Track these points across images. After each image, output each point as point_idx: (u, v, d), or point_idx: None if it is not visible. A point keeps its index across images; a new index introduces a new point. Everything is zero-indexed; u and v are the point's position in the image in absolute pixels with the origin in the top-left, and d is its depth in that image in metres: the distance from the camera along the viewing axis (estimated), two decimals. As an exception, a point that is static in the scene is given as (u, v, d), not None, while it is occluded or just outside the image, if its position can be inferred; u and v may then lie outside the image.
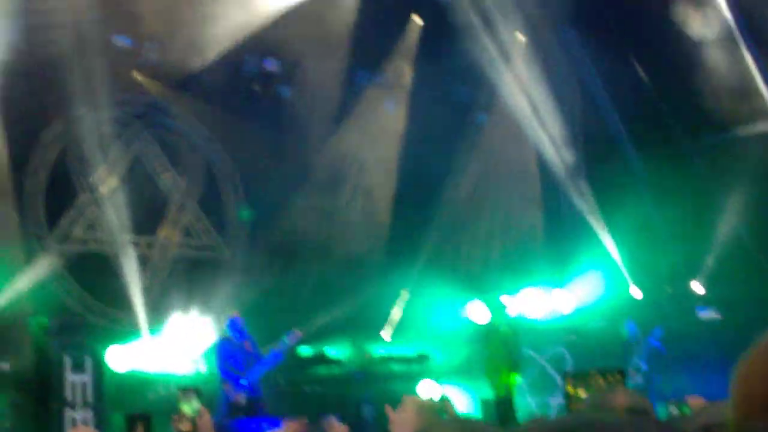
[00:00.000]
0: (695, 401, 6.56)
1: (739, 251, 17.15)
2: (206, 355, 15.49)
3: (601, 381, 12.37)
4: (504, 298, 16.09)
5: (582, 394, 12.25)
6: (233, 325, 13.62)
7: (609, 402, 3.85)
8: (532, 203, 18.86)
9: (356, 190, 18.29)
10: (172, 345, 15.79)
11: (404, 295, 17.80)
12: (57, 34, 15.68)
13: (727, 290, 17.36)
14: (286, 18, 16.77)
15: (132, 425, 11.53)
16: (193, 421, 4.23)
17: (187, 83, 17.17)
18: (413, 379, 16.41)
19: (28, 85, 15.46)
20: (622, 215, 17.76)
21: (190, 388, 9.99)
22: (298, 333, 14.40)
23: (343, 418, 14.43)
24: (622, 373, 13.19)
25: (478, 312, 17.09)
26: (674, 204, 17.80)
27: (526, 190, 18.92)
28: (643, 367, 14.27)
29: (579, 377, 13.05)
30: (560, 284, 17.97)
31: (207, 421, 4.36)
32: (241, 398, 13.14)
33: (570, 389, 12.87)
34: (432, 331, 17.60)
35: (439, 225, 18.05)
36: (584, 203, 18.45)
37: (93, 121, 16.52)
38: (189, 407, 3.92)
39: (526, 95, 18.26)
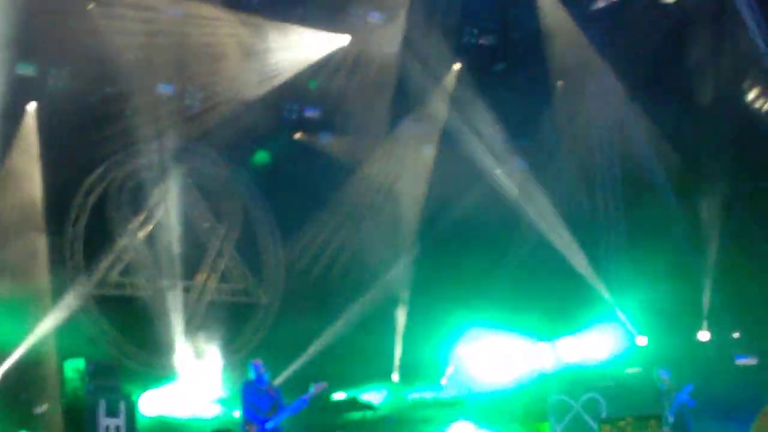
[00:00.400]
0: None
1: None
2: (231, 399, 15.56)
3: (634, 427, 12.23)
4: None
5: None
6: (256, 369, 13.71)
7: None
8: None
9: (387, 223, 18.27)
10: (202, 389, 15.89)
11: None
12: (101, 80, 15.98)
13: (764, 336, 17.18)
14: (329, 64, 16.97)
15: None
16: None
17: (227, 128, 17.34)
18: (447, 423, 16.35)
19: (70, 130, 15.72)
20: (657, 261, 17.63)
21: (221, 430, 10.00)
22: (323, 384, 14.47)
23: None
24: (658, 419, 13.04)
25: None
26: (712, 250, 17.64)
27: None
28: (670, 419, 14.06)
29: (614, 423, 12.93)
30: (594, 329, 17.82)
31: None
32: (266, 440, 13.20)
33: (604, 435, 12.74)
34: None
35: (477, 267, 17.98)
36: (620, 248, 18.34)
37: (134, 167, 16.79)
38: None
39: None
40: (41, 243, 15.55)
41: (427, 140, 18.78)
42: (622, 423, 12.83)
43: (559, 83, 18.43)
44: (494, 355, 17.19)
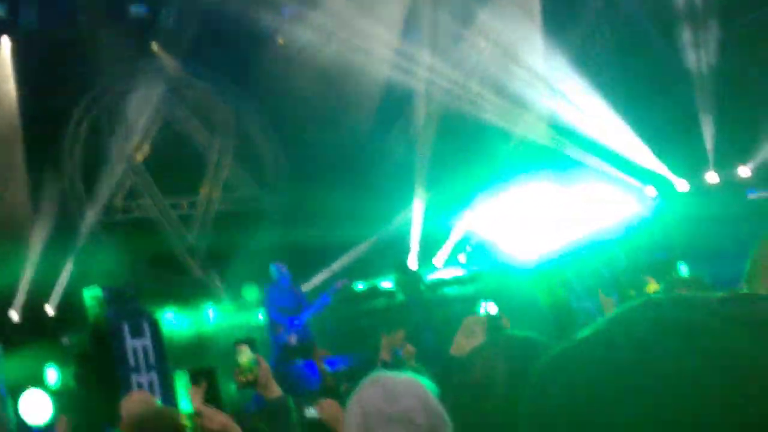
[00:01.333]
0: None
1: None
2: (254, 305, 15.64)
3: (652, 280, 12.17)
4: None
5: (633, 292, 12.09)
6: (279, 271, 13.81)
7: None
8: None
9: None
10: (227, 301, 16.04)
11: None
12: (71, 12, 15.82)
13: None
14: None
15: (196, 380, 11.71)
16: (253, 371, 4.29)
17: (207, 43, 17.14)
18: (469, 300, 16.38)
19: (49, 64, 15.58)
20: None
21: (242, 341, 10.05)
22: (345, 280, 14.62)
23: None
24: (673, 266, 13.05)
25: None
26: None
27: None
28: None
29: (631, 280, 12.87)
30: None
31: (265, 368, 4.43)
32: (293, 339, 13.34)
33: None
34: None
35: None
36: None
37: (120, 91, 16.67)
38: (245, 359, 4.02)
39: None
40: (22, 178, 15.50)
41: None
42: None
43: None
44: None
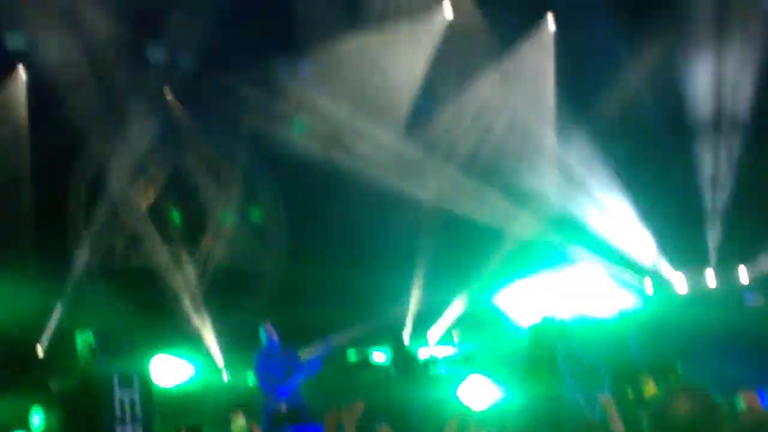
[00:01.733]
0: (749, 397, 6.45)
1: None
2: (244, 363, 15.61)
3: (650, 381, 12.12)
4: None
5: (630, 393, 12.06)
6: (266, 334, 13.75)
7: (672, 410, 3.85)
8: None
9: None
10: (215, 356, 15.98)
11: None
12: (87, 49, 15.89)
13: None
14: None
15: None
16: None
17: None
18: (462, 379, 16.34)
19: (62, 103, 15.62)
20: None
21: (237, 407, 10.07)
22: (332, 340, 14.55)
23: (393, 425, 14.50)
24: (674, 369, 12.99)
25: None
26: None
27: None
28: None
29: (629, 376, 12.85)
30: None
31: (257, 434, 4.40)
32: (282, 407, 13.24)
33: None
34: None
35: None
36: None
37: (131, 137, 16.73)
38: (238, 425, 3.95)
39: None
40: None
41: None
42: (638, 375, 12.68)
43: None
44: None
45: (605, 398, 8.10)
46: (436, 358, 17.01)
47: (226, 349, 16.49)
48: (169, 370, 15.59)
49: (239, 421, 4.05)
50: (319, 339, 15.20)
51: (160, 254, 17.01)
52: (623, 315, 17.11)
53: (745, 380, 14.42)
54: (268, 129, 17.27)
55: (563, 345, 15.17)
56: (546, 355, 14.32)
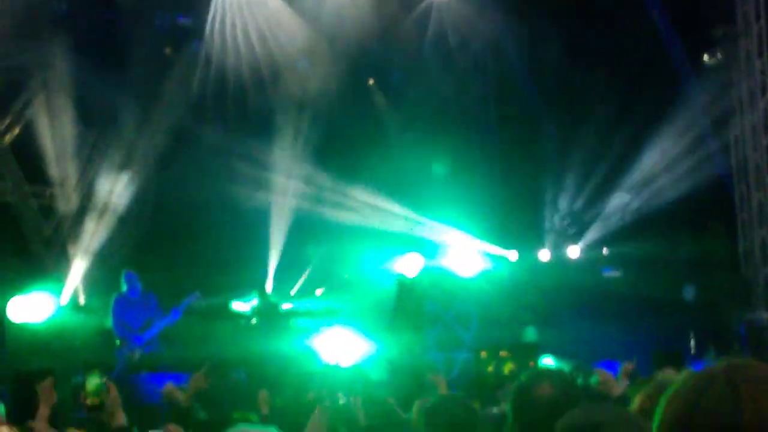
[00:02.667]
0: (602, 374, 6.70)
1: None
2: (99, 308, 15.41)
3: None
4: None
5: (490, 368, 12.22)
6: (129, 280, 13.58)
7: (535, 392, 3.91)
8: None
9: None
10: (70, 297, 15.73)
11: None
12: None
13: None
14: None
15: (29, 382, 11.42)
16: (100, 396, 4.18)
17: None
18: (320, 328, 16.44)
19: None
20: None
21: (93, 365, 9.85)
22: (196, 294, 14.46)
23: (248, 374, 14.51)
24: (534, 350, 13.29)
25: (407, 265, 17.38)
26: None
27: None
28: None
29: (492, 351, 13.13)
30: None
31: (114, 396, 4.30)
32: (136, 355, 13.13)
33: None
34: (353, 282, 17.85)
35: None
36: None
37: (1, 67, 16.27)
38: (93, 384, 3.93)
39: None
40: None
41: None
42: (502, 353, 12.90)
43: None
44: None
45: (437, 378, 8.27)
46: (298, 309, 17.06)
47: (87, 292, 16.22)
48: (27, 308, 15.30)
49: (95, 378, 4.02)
50: (183, 291, 15.13)
51: (22, 190, 16.63)
52: (486, 273, 17.64)
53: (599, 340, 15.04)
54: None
55: (433, 293, 15.43)
56: (413, 305, 14.52)
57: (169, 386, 6.91)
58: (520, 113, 19.00)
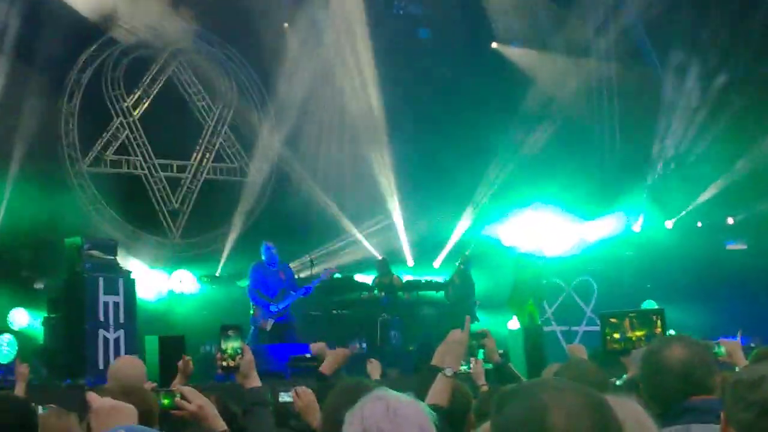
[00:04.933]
0: (729, 345, 6.57)
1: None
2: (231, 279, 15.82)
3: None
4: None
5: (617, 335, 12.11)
6: (268, 251, 13.83)
7: (667, 355, 3.85)
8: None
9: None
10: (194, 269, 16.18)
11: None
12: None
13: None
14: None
15: (166, 347, 11.87)
16: (235, 358, 4.35)
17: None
18: (439, 304, 16.55)
19: (66, 8, 15.50)
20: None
21: (231, 326, 10.16)
22: (333, 269, 14.70)
23: (370, 343, 14.73)
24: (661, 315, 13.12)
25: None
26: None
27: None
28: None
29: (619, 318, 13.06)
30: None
31: (249, 358, 4.46)
32: (268, 325, 13.41)
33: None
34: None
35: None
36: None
37: (129, 44, 16.70)
38: (230, 346, 4.08)
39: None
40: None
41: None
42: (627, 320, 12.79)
43: None
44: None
45: (574, 347, 8.14)
46: (418, 281, 17.21)
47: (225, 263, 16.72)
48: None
49: (233, 339, 4.15)
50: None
51: (151, 163, 17.11)
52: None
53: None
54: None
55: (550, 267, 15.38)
56: (532, 279, 14.52)
57: (320, 344, 6.92)
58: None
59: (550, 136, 18.28)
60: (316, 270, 15.26)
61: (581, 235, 17.84)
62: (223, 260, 16.80)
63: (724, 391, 3.07)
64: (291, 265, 14.66)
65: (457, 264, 16.25)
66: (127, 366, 5.78)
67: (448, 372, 4.60)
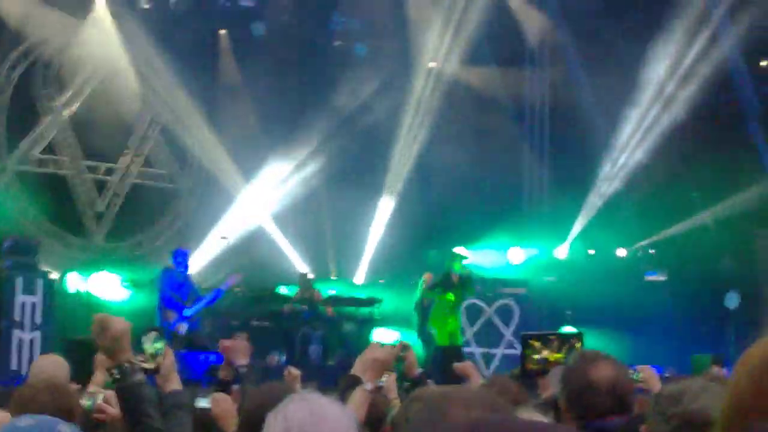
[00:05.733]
0: (646, 371, 6.68)
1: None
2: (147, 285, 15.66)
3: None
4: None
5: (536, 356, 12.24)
6: (179, 255, 13.78)
7: (592, 373, 3.78)
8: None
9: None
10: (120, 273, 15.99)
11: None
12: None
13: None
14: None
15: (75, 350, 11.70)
16: (156, 360, 4.31)
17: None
18: (362, 322, 16.56)
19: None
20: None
21: (152, 328, 10.12)
22: (238, 275, 14.65)
23: (289, 355, 14.70)
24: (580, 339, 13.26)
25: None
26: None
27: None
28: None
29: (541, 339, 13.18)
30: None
31: (170, 360, 4.42)
32: (183, 328, 13.34)
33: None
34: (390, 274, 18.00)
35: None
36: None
37: (60, 43, 16.51)
38: (152, 347, 4.05)
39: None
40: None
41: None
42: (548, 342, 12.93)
43: None
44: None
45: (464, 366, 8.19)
46: (341, 296, 17.22)
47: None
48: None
49: (153, 340, 4.12)
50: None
51: (78, 165, 16.92)
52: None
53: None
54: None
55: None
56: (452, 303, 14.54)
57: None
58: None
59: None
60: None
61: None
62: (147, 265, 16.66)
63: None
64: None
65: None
66: (51, 364, 5.74)
67: (368, 387, 4.63)
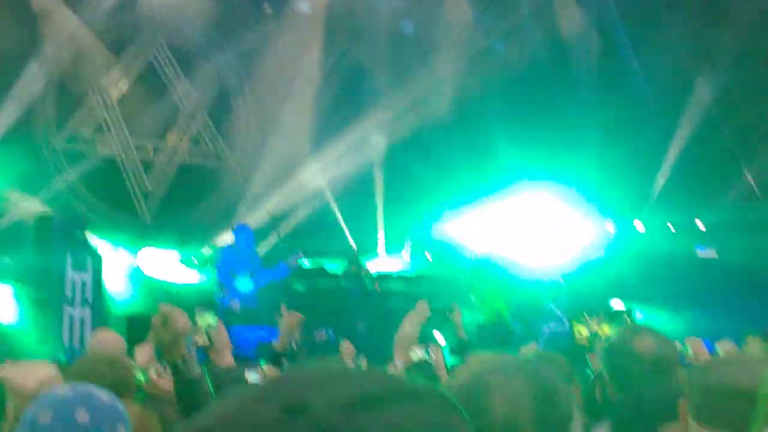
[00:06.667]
0: (695, 344, 6.62)
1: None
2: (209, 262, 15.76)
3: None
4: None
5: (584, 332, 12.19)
6: (241, 232, 13.79)
7: (635, 347, 3.83)
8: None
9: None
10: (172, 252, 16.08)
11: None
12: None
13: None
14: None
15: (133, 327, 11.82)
16: (209, 336, 4.36)
17: None
18: (411, 298, 16.49)
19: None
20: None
21: (205, 306, 10.27)
22: (298, 254, 14.67)
23: (336, 332, 14.72)
24: (630, 315, 13.15)
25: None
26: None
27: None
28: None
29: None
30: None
31: (222, 336, 4.46)
32: (236, 305, 13.37)
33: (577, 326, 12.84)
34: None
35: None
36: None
37: (108, 22, 16.58)
38: (204, 322, 4.09)
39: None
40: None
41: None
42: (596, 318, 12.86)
43: None
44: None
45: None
46: (389, 273, 17.20)
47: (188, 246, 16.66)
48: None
49: (207, 317, 4.14)
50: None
51: (126, 144, 17.01)
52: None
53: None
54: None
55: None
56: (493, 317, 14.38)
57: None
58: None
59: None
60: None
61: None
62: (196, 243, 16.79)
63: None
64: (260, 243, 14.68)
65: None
66: (109, 339, 5.81)
67: (399, 365, 4.65)
